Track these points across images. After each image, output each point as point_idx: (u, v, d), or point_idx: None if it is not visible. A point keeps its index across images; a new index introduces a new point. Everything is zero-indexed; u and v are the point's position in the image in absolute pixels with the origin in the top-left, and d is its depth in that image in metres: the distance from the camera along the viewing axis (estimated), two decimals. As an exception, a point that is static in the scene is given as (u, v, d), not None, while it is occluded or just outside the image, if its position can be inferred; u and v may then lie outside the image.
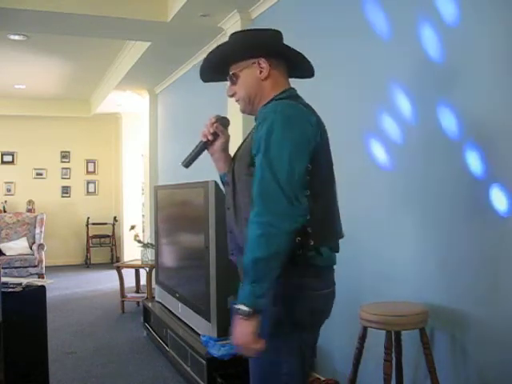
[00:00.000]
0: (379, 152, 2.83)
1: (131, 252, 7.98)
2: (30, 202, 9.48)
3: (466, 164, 2.28)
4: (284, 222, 1.50)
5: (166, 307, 4.60)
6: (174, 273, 4.55)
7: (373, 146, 2.86)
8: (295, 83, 1.81)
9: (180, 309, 4.17)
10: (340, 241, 1.76)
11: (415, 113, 2.59)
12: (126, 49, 5.85)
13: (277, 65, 1.74)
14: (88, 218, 9.71)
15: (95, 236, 9.70)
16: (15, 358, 2.86)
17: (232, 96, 1.82)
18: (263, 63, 1.71)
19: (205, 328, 3.56)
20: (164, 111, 6.83)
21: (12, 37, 5.33)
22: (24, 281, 3.10)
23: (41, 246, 7.70)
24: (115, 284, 6.59)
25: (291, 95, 1.72)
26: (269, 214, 1.49)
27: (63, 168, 9.89)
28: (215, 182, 3.53)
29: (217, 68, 1.82)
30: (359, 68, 2.96)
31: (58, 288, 6.99)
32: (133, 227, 6.63)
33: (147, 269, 5.75)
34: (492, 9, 2.18)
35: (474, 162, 2.25)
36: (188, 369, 3.58)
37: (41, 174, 9.73)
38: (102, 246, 9.78)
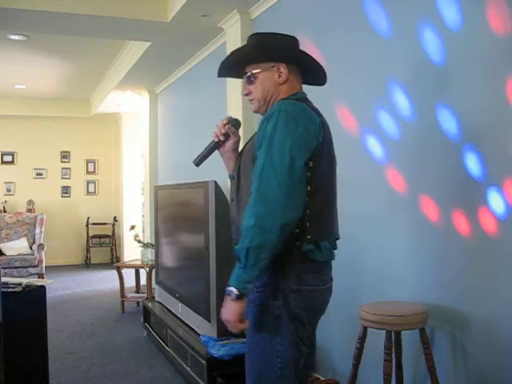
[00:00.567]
0: (376, 149, 2.83)
1: (131, 252, 7.98)
2: (30, 202, 9.48)
3: (464, 164, 2.28)
4: (277, 215, 1.57)
5: (165, 307, 4.60)
6: (174, 273, 4.55)
7: (370, 142, 2.86)
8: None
9: (180, 309, 4.17)
10: (339, 240, 1.80)
11: (413, 111, 2.59)
12: (126, 49, 5.85)
13: (294, 70, 1.82)
14: (88, 217, 9.72)
15: (95, 236, 9.70)
16: (15, 358, 2.86)
17: (246, 95, 1.87)
18: (283, 68, 1.79)
19: (205, 328, 3.57)
20: (164, 111, 6.83)
21: (12, 37, 5.33)
22: (24, 281, 3.10)
23: (41, 246, 7.70)
24: (115, 284, 6.59)
25: (300, 97, 1.80)
26: (264, 206, 1.58)
27: (63, 168, 9.89)
28: (215, 182, 3.53)
29: (235, 66, 1.88)
30: (359, 67, 2.96)
31: (57, 288, 6.99)
32: (133, 227, 6.64)
33: (147, 269, 5.76)
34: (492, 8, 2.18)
35: (471, 162, 2.25)
36: (188, 369, 3.58)
37: (41, 174, 9.73)
38: (102, 246, 9.78)
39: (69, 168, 9.91)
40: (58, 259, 9.46)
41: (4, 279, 3.06)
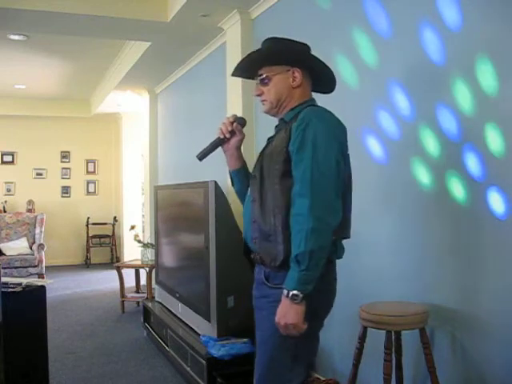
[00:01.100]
0: (376, 148, 2.83)
1: (131, 252, 7.98)
2: (30, 202, 9.48)
3: (465, 165, 2.28)
4: (331, 217, 1.69)
5: (165, 307, 4.60)
6: (174, 273, 4.55)
7: (369, 141, 2.86)
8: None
9: (180, 309, 4.17)
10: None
11: (413, 110, 2.59)
12: (126, 49, 5.85)
13: (306, 77, 1.90)
14: (88, 218, 9.72)
15: (95, 236, 9.70)
16: (15, 358, 2.86)
17: (259, 95, 1.93)
18: (297, 73, 1.86)
19: (205, 328, 3.57)
20: (164, 111, 6.83)
21: (12, 37, 5.33)
22: (24, 281, 3.10)
23: (41, 246, 7.70)
24: (115, 284, 6.59)
25: (315, 104, 1.91)
26: (320, 209, 1.66)
27: (63, 168, 9.89)
28: (215, 182, 3.53)
29: (251, 67, 1.94)
30: (359, 67, 2.96)
31: (57, 288, 6.99)
32: (133, 227, 6.64)
33: (147, 269, 5.76)
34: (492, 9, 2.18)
35: (471, 163, 2.25)
36: (188, 369, 3.58)
37: (41, 174, 9.73)
38: (102, 246, 9.78)
39: (69, 168, 9.91)
40: (58, 259, 9.46)
41: (4, 279, 3.06)
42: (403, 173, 2.66)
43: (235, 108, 4.13)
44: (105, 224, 9.78)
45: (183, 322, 4.07)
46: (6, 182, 9.52)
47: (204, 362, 3.27)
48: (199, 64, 5.43)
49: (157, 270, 5.07)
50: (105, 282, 7.85)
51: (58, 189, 9.84)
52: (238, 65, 1.97)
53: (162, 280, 4.80)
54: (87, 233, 9.69)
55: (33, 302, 3.01)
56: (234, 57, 4.22)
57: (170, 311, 4.46)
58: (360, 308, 2.42)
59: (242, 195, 2.08)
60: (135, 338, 4.84)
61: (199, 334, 3.61)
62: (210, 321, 3.49)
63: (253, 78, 1.96)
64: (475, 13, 2.23)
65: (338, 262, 1.88)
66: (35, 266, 7.47)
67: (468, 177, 2.27)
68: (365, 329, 2.44)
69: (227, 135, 1.97)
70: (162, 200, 4.83)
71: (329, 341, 3.06)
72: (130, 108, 8.49)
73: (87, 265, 9.60)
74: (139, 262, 6.03)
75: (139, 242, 6.07)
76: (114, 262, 9.10)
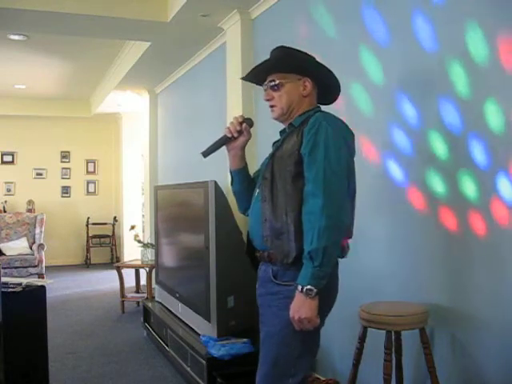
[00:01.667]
0: (374, 151, 2.83)
1: (131, 252, 7.98)
2: (30, 202, 9.48)
3: (469, 154, 2.28)
4: (344, 216, 1.78)
5: (165, 307, 4.60)
6: (174, 273, 4.55)
7: (366, 145, 2.87)
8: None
9: (180, 309, 4.17)
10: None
11: (418, 116, 2.59)
12: (126, 49, 5.85)
13: (315, 87, 1.99)
14: (88, 218, 9.71)
15: (95, 236, 9.70)
16: (15, 358, 2.86)
17: (268, 100, 2.00)
18: (308, 83, 1.96)
19: (205, 328, 3.57)
20: (164, 111, 6.83)
21: (12, 37, 5.33)
22: (24, 281, 3.10)
23: (41, 246, 7.70)
24: (115, 284, 6.59)
25: (323, 111, 1.98)
26: (332, 208, 1.73)
27: (63, 168, 9.89)
28: (215, 182, 3.53)
29: (262, 73, 2.01)
30: (360, 67, 2.96)
31: (57, 288, 6.99)
32: (133, 227, 6.64)
33: (147, 269, 5.76)
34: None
35: (477, 155, 2.25)
36: (188, 369, 3.58)
37: (41, 174, 9.73)
38: (102, 246, 9.78)
39: (69, 168, 9.91)
40: (58, 259, 9.46)
41: (4, 279, 3.06)
42: (402, 172, 2.66)
43: (235, 108, 4.13)
44: (105, 224, 9.78)
45: (183, 322, 4.07)
46: (5, 182, 9.52)
47: (204, 361, 3.27)
48: (199, 64, 5.43)
49: (157, 269, 5.07)
50: (105, 282, 7.85)
51: (58, 189, 9.84)
52: (252, 70, 2.05)
53: (162, 280, 4.80)
54: (87, 233, 9.69)
55: (33, 302, 3.01)
56: (234, 57, 4.22)
57: (169, 311, 4.46)
58: (360, 308, 2.42)
59: (239, 195, 2.14)
60: (135, 337, 4.84)
61: (199, 334, 3.61)
62: (209, 321, 3.49)
63: (261, 84, 2.03)
64: None
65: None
66: (35, 266, 7.47)
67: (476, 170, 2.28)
68: (365, 329, 2.44)
69: (235, 134, 2.02)
70: (161, 200, 4.83)
71: (329, 341, 3.06)
72: (130, 108, 8.49)
73: (87, 265, 9.59)
74: (139, 262, 6.03)
75: (139, 242, 6.07)
76: (114, 261, 9.10)
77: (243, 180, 2.11)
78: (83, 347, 4.54)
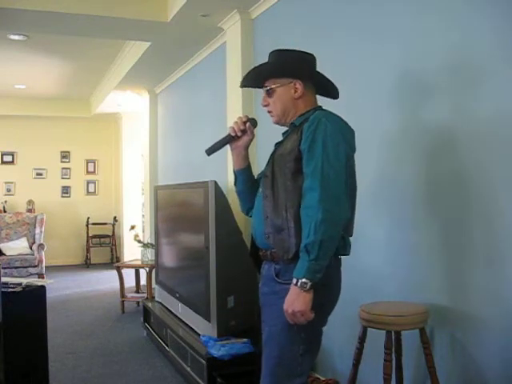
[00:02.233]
0: (375, 145, 2.83)
1: (131, 252, 7.98)
2: (30, 202, 9.48)
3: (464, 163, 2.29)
4: (341, 210, 1.77)
5: (165, 307, 4.60)
6: (174, 273, 4.56)
7: (368, 141, 2.86)
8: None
9: (180, 309, 4.17)
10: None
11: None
12: (126, 49, 5.85)
13: (309, 86, 1.99)
14: (88, 218, 9.71)
15: (95, 236, 9.70)
16: (15, 358, 2.86)
17: (265, 106, 2.03)
18: (299, 85, 1.96)
19: (205, 328, 3.57)
20: (164, 111, 6.83)
21: (12, 37, 5.33)
22: (24, 281, 3.11)
23: (41, 246, 7.70)
24: (115, 284, 6.59)
25: (323, 109, 1.98)
26: (329, 201, 1.73)
27: (63, 168, 9.89)
28: (215, 182, 3.53)
29: (257, 79, 2.06)
30: (360, 67, 2.96)
31: (57, 288, 6.99)
32: (133, 227, 6.64)
33: (147, 269, 5.76)
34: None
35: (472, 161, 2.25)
36: (188, 369, 3.58)
37: (41, 174, 9.73)
38: (102, 246, 9.78)
39: (69, 168, 9.91)
40: (58, 259, 9.46)
41: (4, 279, 3.06)
42: (401, 172, 2.66)
43: (235, 108, 4.13)
44: (105, 224, 9.78)
45: (183, 322, 4.07)
46: (5, 182, 9.52)
47: (204, 361, 3.27)
48: (199, 64, 5.43)
49: (157, 269, 5.07)
50: (105, 282, 7.85)
51: (58, 189, 9.84)
52: (245, 77, 2.09)
53: (162, 280, 4.80)
54: (87, 233, 9.69)
55: (33, 302, 3.01)
56: (234, 57, 4.22)
57: (170, 311, 4.46)
58: (360, 308, 2.42)
59: (243, 195, 2.15)
60: (135, 337, 4.84)
61: (199, 334, 3.61)
62: (210, 321, 3.49)
63: (261, 87, 2.04)
64: None
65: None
66: (35, 266, 7.47)
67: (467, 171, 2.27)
68: (365, 329, 2.44)
69: (239, 133, 2.04)
70: (161, 200, 4.83)
71: (329, 341, 3.06)
72: (130, 108, 8.49)
73: (87, 265, 9.59)
74: (139, 262, 6.04)
75: (139, 242, 6.07)
76: (114, 261, 9.10)
77: (247, 180, 2.12)
78: (83, 347, 4.54)
